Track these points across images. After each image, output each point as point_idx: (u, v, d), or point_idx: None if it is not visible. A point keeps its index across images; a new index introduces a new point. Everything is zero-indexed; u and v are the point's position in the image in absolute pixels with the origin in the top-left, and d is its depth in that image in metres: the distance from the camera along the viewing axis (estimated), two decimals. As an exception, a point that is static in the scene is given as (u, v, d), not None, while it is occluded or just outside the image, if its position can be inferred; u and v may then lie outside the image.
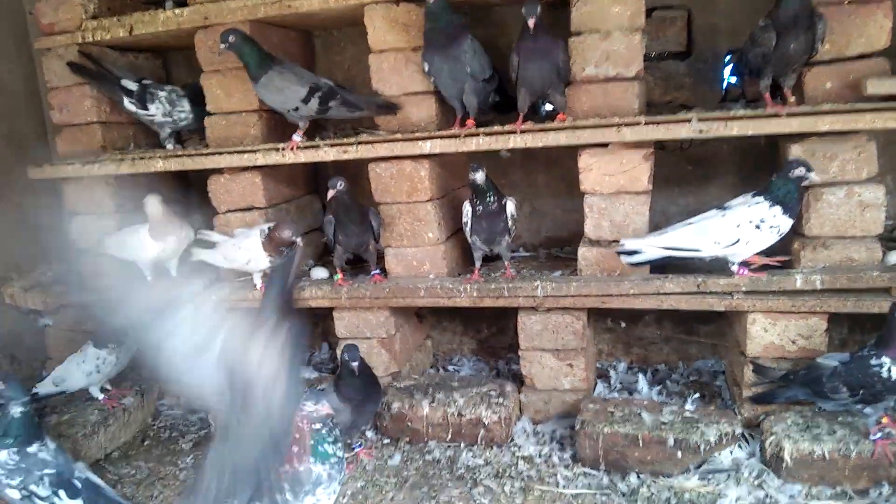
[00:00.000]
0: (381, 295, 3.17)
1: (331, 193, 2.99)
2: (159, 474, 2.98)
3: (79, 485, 2.48)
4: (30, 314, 3.80)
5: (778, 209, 2.61)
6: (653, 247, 2.70)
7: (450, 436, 2.97)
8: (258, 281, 3.29)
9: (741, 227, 2.64)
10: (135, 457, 3.16)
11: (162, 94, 3.46)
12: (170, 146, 3.55)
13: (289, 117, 3.18)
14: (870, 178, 2.67)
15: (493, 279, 3.10)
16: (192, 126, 3.56)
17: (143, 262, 3.38)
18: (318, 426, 2.18)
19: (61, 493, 2.44)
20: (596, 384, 3.30)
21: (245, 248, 3.14)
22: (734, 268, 2.75)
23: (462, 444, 2.95)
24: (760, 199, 2.65)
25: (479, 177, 2.87)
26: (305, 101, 3.05)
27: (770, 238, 2.66)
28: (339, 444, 2.23)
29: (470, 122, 3.00)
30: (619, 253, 2.76)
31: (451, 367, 3.78)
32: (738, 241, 2.65)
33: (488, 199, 2.93)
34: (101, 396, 3.23)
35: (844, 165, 2.67)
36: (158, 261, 3.39)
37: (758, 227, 2.63)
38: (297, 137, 3.16)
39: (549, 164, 3.58)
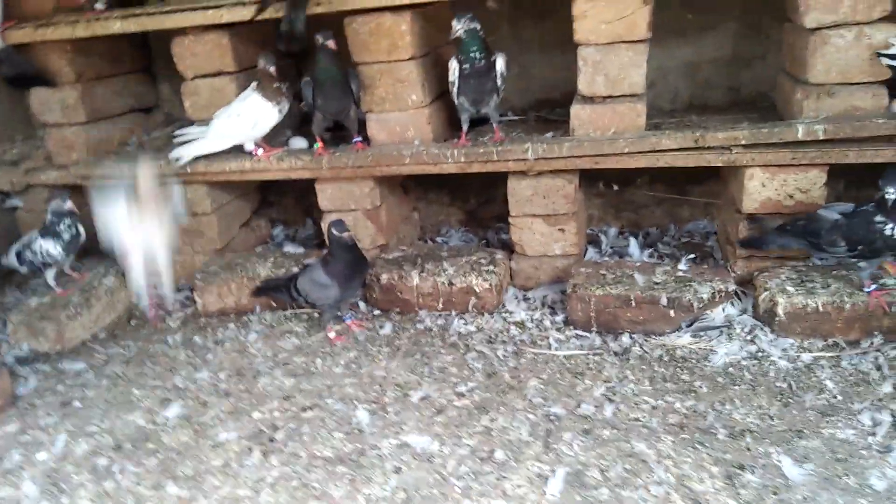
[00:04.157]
0: (364, 163, 3.02)
1: (331, 45, 2.85)
2: (148, 352, 2.94)
3: None
4: (-3, 196, 3.63)
5: None
6: None
7: (440, 305, 2.93)
8: (251, 146, 3.15)
9: None
10: (122, 336, 3.11)
11: None
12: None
13: None
14: (882, 18, 2.50)
15: (482, 143, 2.96)
16: None
17: None
18: None
19: None
20: (587, 250, 3.25)
21: (246, 111, 3.01)
22: None
23: (453, 313, 2.92)
24: None
25: (467, 26, 2.66)
26: None
27: None
28: None
29: None
30: (881, 55, 2.52)
31: (438, 239, 3.72)
32: None
33: (477, 54, 2.73)
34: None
35: (856, 5, 2.48)
36: None
37: None
38: None
39: (539, 16, 3.35)
